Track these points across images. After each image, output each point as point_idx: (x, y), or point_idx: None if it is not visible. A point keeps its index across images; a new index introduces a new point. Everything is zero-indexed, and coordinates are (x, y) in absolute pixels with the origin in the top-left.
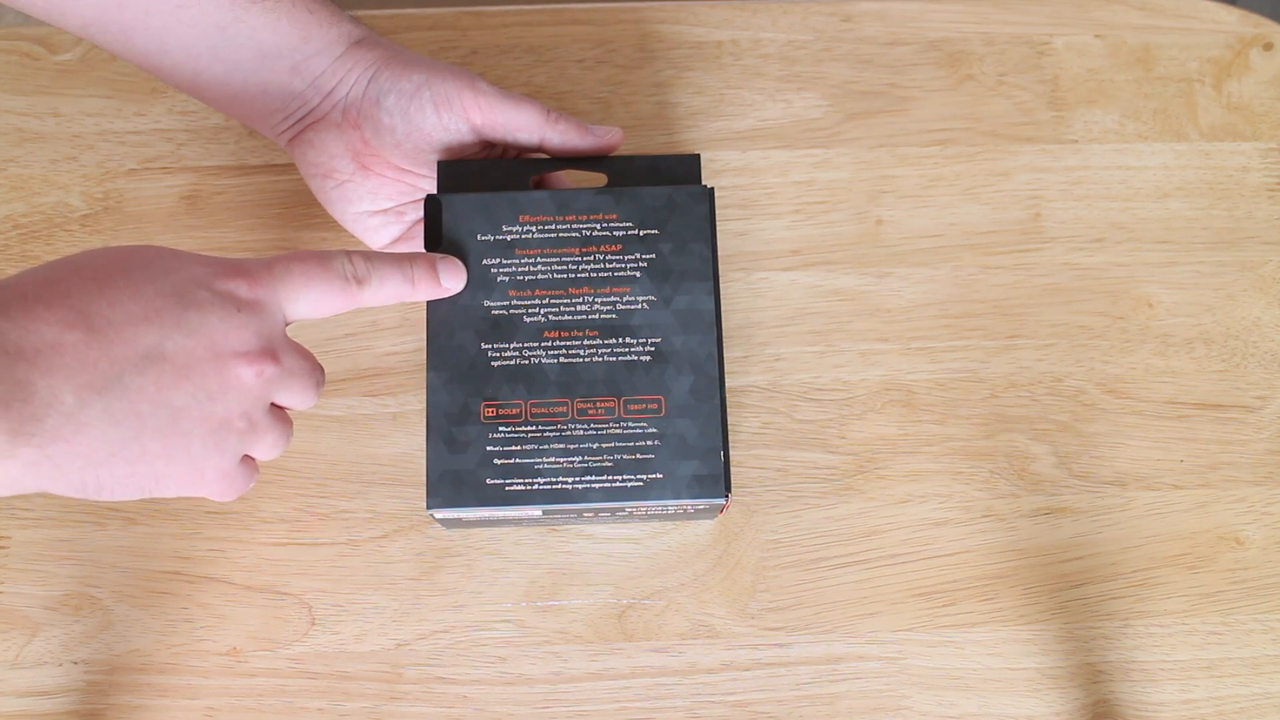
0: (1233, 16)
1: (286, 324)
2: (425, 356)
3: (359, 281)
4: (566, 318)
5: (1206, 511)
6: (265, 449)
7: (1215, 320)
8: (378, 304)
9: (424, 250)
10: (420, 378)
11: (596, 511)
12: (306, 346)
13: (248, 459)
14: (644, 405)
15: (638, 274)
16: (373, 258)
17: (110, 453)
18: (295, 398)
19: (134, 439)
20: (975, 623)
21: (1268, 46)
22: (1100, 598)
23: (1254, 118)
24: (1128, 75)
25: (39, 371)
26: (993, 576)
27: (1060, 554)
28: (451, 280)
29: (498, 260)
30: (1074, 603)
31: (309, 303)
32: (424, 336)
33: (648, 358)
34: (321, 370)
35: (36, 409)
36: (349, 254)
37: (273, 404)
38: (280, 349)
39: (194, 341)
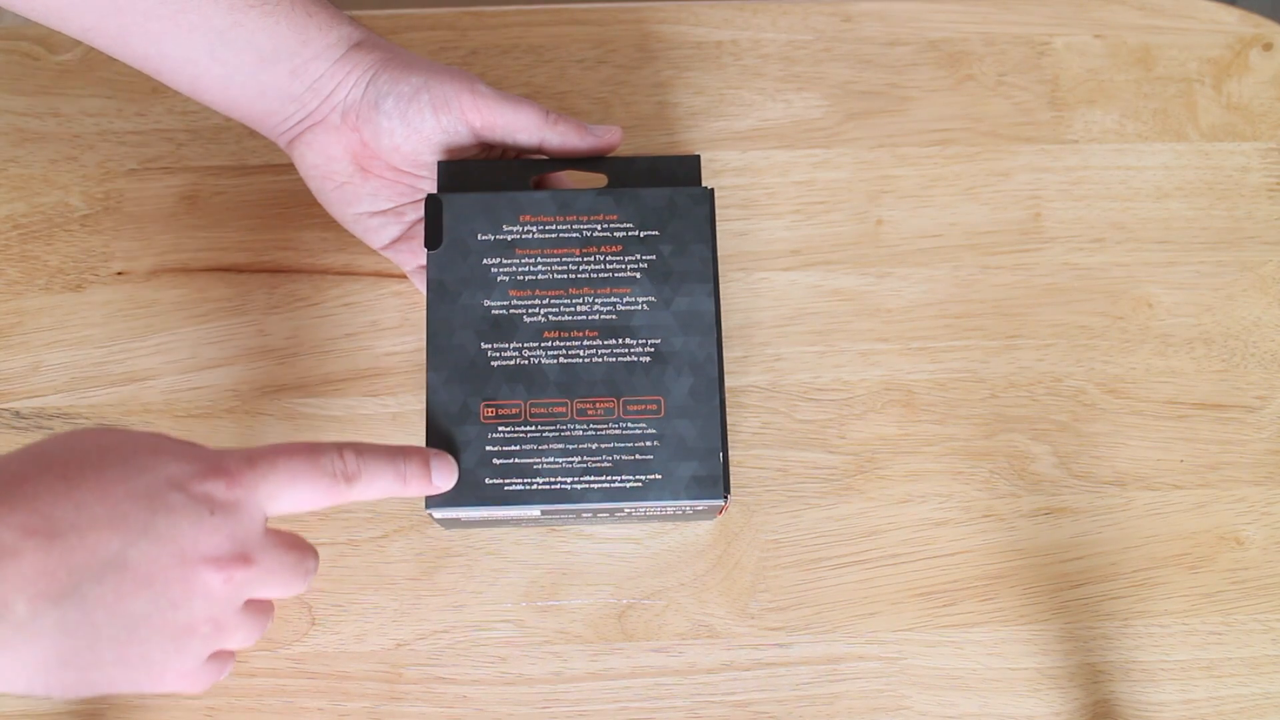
0: (1232, 16)
1: (266, 519)
2: (425, 356)
3: (348, 480)
4: (566, 318)
5: (1206, 511)
6: (237, 643)
7: (1215, 320)
8: (366, 500)
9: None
10: (420, 378)
11: (595, 512)
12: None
13: (220, 651)
14: (643, 406)
15: (638, 275)
16: (364, 453)
17: (61, 661)
18: (276, 590)
19: (87, 648)
20: (975, 623)
21: (1267, 46)
22: (1100, 598)
23: (1254, 118)
24: (1128, 75)
25: None
26: (993, 576)
27: (1060, 554)
28: (443, 479)
29: (498, 260)
30: (1074, 603)
31: (292, 500)
32: (424, 336)
33: (647, 359)
34: (314, 555)
35: None
36: (340, 449)
37: (250, 599)
38: (255, 550)
39: (159, 549)
